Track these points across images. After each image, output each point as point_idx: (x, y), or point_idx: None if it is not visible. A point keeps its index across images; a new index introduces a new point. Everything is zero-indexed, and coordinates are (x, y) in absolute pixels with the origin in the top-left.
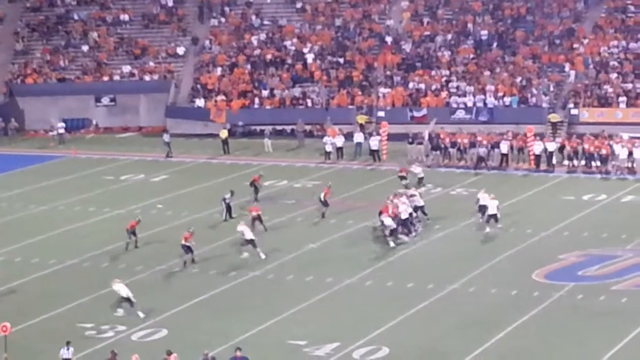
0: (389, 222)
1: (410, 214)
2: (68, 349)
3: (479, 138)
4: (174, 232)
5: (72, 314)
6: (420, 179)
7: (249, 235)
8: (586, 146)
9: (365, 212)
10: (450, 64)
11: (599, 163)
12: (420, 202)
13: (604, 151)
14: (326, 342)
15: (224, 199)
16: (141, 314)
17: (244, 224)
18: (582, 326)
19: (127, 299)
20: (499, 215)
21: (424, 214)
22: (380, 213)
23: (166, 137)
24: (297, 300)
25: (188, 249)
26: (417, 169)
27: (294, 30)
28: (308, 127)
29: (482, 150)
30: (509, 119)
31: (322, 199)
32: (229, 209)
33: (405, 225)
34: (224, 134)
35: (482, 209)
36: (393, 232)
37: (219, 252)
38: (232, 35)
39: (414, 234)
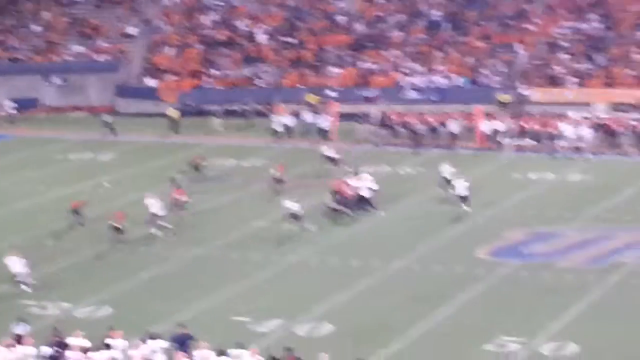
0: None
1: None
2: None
3: (430, 119)
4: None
5: (17, 291)
6: (333, 159)
7: (155, 209)
8: (535, 126)
9: (313, 191)
10: (402, 44)
11: (547, 142)
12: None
13: (552, 130)
14: (270, 318)
15: (174, 179)
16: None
17: (150, 196)
18: (527, 303)
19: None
20: (469, 197)
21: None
22: (335, 193)
23: (107, 118)
24: (241, 277)
25: (117, 230)
26: (328, 151)
27: (246, 11)
28: (258, 107)
29: (423, 129)
30: (460, 99)
31: (276, 176)
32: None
33: (363, 203)
34: (174, 113)
35: (445, 181)
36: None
37: (165, 230)
38: (184, 16)
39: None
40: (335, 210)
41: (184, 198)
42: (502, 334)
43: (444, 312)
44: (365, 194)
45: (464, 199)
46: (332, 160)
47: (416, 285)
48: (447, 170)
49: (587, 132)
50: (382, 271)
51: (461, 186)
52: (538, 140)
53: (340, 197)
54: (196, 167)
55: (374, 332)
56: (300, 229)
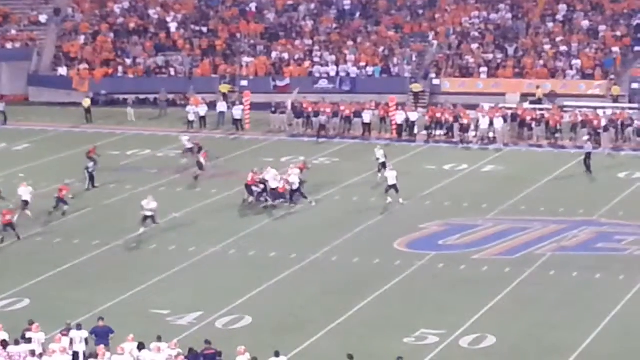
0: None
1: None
2: None
3: (342, 107)
4: (35, 201)
5: None
6: (191, 149)
7: (26, 197)
8: (448, 116)
9: (228, 182)
10: (313, 34)
11: (459, 133)
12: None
13: (465, 121)
14: (189, 311)
15: (87, 168)
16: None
17: (24, 185)
18: (444, 294)
19: None
20: (398, 186)
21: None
22: (247, 185)
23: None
24: (159, 269)
25: (61, 202)
26: (184, 139)
27: None
28: (171, 96)
29: (323, 119)
30: (372, 88)
31: (200, 160)
32: (91, 178)
33: (295, 195)
34: (86, 102)
35: (382, 165)
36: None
37: (81, 221)
38: (95, 4)
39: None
40: (265, 204)
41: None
42: (421, 326)
43: (363, 304)
44: (295, 185)
45: (393, 187)
46: (190, 150)
47: (334, 277)
48: (381, 154)
49: (499, 123)
50: (300, 263)
51: (391, 176)
52: (451, 131)
53: (273, 191)
54: (92, 160)
55: (292, 324)
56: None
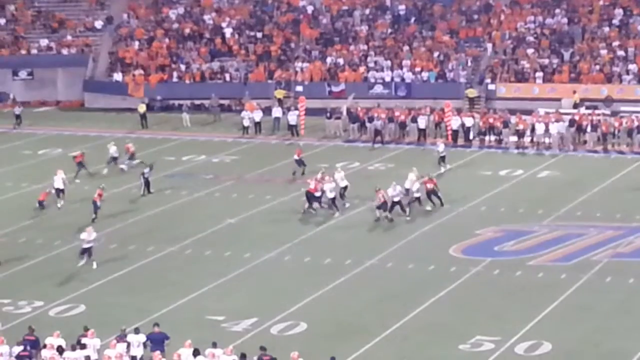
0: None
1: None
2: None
3: (397, 113)
4: (92, 206)
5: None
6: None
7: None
8: (503, 122)
9: (283, 188)
10: (368, 39)
11: (515, 138)
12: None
13: (520, 126)
14: (244, 317)
15: (143, 174)
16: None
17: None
18: (499, 301)
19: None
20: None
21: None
22: (308, 193)
23: (17, 110)
24: (215, 275)
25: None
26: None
27: (212, 4)
28: (226, 102)
29: (378, 124)
30: (427, 94)
31: (297, 157)
32: (147, 183)
33: (333, 203)
34: (142, 108)
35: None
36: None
37: (137, 227)
38: (150, 9)
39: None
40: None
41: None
42: (477, 333)
43: (418, 311)
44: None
45: (418, 200)
46: (114, 159)
47: (390, 283)
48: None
49: (555, 128)
50: (355, 269)
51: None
52: (506, 136)
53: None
54: (81, 165)
55: (347, 330)
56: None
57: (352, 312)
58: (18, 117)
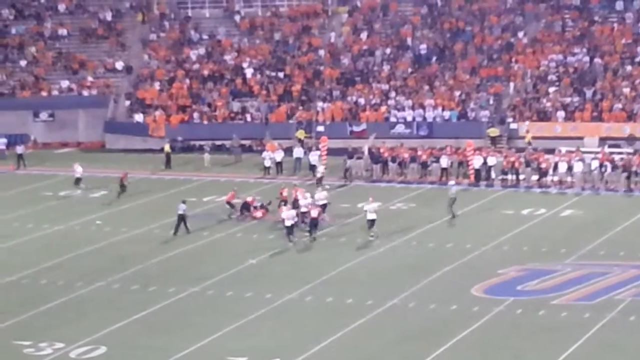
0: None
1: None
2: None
3: (419, 152)
4: (113, 247)
5: (10, 331)
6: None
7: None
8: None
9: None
10: (390, 78)
11: (537, 177)
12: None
13: (543, 165)
14: (266, 358)
15: (179, 212)
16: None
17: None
18: (522, 341)
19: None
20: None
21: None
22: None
23: (19, 149)
24: (236, 316)
25: (232, 206)
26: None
27: (232, 45)
28: (247, 142)
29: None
30: (449, 133)
31: (227, 201)
32: (183, 220)
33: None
34: (167, 147)
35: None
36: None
37: (158, 267)
38: (171, 50)
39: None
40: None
41: None
42: None
43: (439, 351)
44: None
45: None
46: (78, 180)
47: (411, 323)
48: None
49: (577, 167)
50: (377, 309)
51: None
52: (528, 175)
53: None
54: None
55: None
56: None
57: (373, 353)
58: (20, 156)
